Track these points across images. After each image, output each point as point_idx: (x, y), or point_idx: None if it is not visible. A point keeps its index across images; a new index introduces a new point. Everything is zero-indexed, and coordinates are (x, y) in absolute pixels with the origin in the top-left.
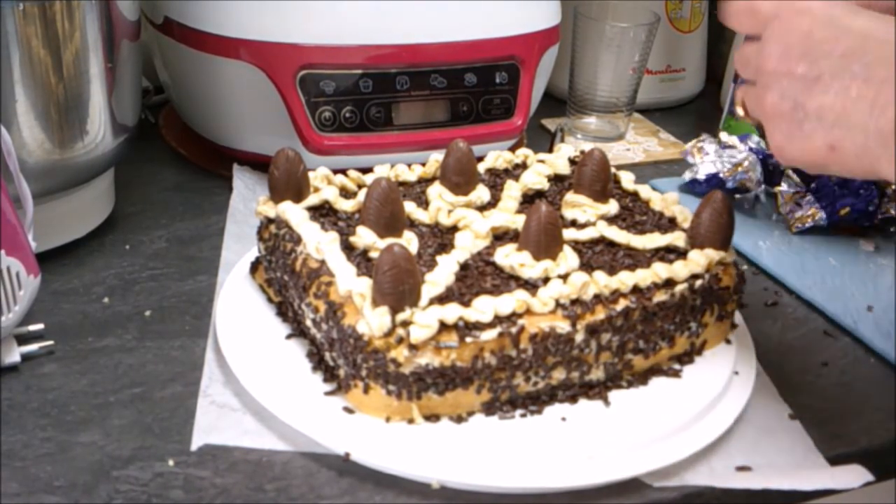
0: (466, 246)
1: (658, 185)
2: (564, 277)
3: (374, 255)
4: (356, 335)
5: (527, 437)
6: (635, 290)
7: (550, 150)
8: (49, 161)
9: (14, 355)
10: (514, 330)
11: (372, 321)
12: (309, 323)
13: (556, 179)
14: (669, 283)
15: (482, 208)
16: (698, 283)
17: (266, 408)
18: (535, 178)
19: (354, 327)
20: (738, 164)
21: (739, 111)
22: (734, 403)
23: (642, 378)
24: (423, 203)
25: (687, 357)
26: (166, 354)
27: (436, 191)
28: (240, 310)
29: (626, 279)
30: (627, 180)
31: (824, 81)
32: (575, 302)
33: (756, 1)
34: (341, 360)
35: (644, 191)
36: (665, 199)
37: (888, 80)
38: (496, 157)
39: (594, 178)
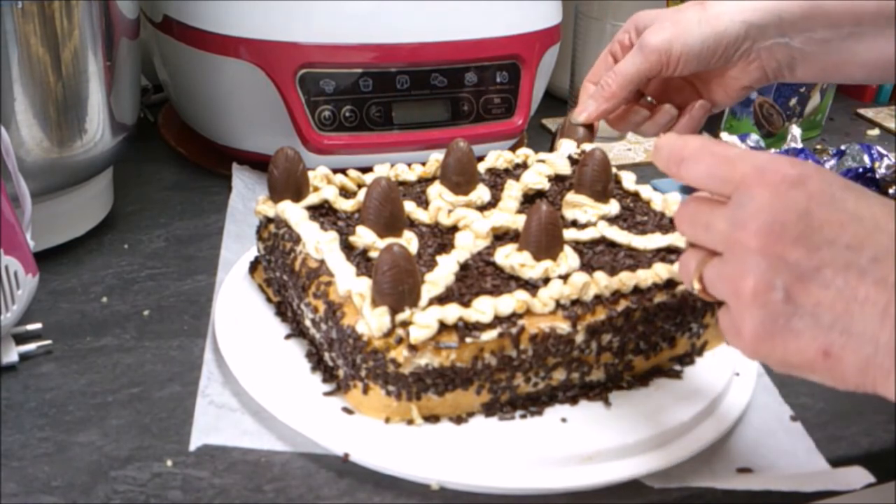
0: (466, 246)
1: (659, 186)
2: (565, 278)
3: (373, 254)
4: (355, 335)
5: (527, 438)
6: (636, 290)
7: (551, 150)
8: (47, 160)
9: (12, 355)
10: (514, 330)
11: (371, 321)
12: (308, 323)
13: (556, 179)
14: (670, 284)
15: (482, 208)
16: None
17: (265, 408)
18: (536, 177)
19: (354, 327)
20: None
21: (696, 285)
22: (735, 405)
23: (643, 379)
24: (423, 203)
25: (688, 358)
26: (165, 354)
27: (436, 190)
28: (239, 310)
29: (626, 280)
30: (628, 180)
31: (825, 274)
32: (575, 302)
33: (727, 152)
34: (340, 360)
35: (645, 191)
36: (666, 199)
37: None
38: (497, 156)
39: (595, 178)
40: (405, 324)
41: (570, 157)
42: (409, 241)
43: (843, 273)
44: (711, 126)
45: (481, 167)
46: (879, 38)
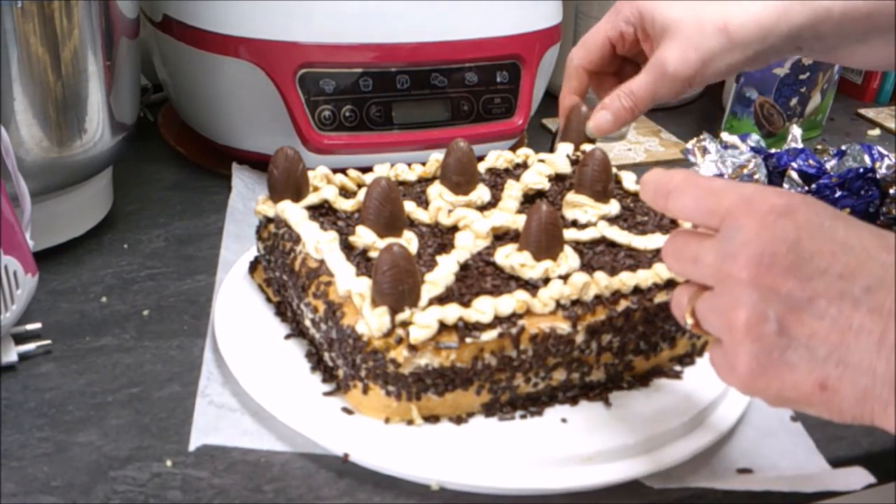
0: (466, 246)
1: None
2: (565, 278)
3: (373, 254)
4: (355, 335)
5: (527, 438)
6: (636, 290)
7: (551, 150)
8: (47, 159)
9: (11, 355)
10: (514, 331)
11: (371, 321)
12: (308, 323)
13: (556, 179)
14: (670, 284)
15: (482, 208)
16: None
17: (264, 408)
18: (536, 177)
19: (353, 327)
20: (742, 165)
21: (688, 320)
22: (735, 405)
23: (643, 379)
24: (423, 203)
25: (688, 358)
26: (164, 354)
27: (436, 190)
28: (238, 310)
29: (627, 280)
30: (629, 180)
31: (818, 305)
32: (576, 303)
33: (712, 184)
34: (340, 360)
35: None
36: None
37: None
38: (497, 156)
39: (595, 178)
40: (405, 324)
41: (569, 157)
42: (409, 241)
43: (836, 303)
44: (712, 126)
45: (481, 167)
46: (886, 44)
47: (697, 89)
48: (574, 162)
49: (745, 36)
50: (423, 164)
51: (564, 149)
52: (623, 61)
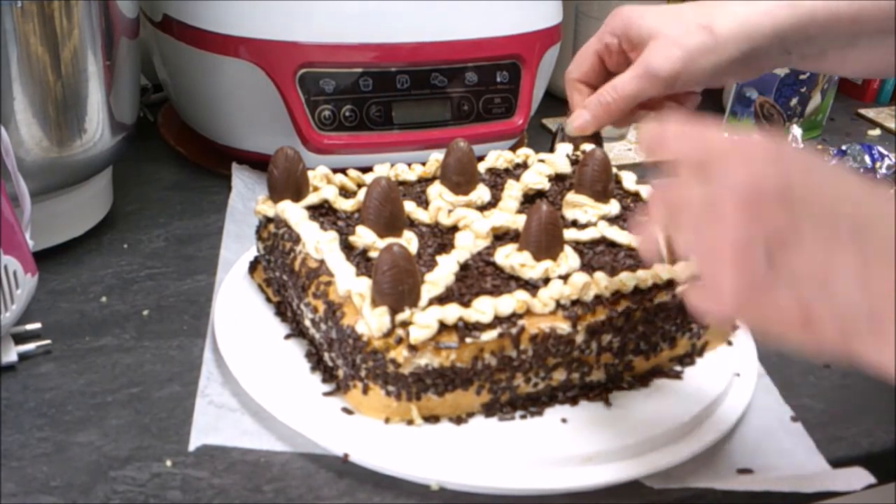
0: (466, 246)
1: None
2: (565, 278)
3: (373, 254)
4: (355, 335)
5: (527, 438)
6: (636, 290)
7: (551, 150)
8: (47, 159)
9: (11, 355)
10: (514, 331)
11: (371, 321)
12: (308, 323)
13: (557, 179)
14: (671, 284)
15: (482, 208)
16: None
17: (264, 408)
18: (536, 177)
19: (353, 327)
20: None
21: (664, 251)
22: (735, 405)
23: (643, 379)
24: (423, 203)
25: (688, 358)
26: (164, 354)
27: (436, 190)
28: (238, 309)
29: (627, 280)
30: (629, 180)
31: (805, 241)
32: (576, 303)
33: (706, 132)
34: (340, 360)
35: (646, 191)
36: None
37: (881, 252)
38: (497, 156)
39: (595, 178)
40: (405, 324)
41: (569, 157)
42: (409, 241)
43: (822, 241)
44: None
45: (481, 167)
46: (874, 47)
47: (696, 100)
48: (574, 162)
49: (728, 33)
50: (423, 164)
51: (564, 149)
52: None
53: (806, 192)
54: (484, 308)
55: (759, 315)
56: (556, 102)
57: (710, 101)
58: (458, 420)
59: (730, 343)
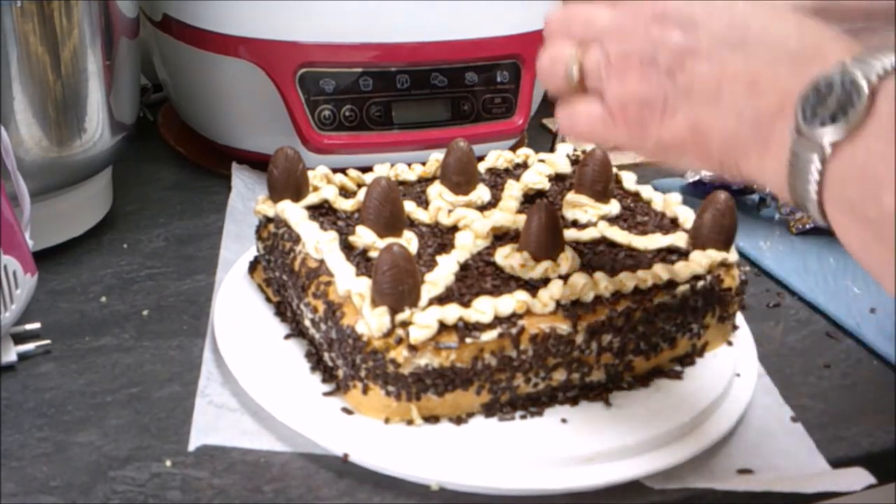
0: (466, 246)
1: (660, 186)
2: (565, 278)
3: (373, 254)
4: (355, 335)
5: (527, 438)
6: (636, 291)
7: (552, 150)
8: (46, 159)
9: (11, 354)
10: (514, 331)
11: (371, 321)
12: (308, 323)
13: (557, 179)
14: (671, 285)
15: (482, 208)
16: (700, 284)
17: (264, 408)
18: (536, 177)
19: (353, 327)
20: None
21: (575, 73)
22: (735, 405)
23: (643, 379)
24: (423, 202)
25: (688, 358)
26: (164, 354)
27: (436, 190)
28: (238, 309)
29: (627, 280)
30: (629, 180)
31: (699, 54)
32: (576, 303)
33: None
34: (340, 360)
35: (646, 191)
36: (667, 199)
37: (770, 62)
38: (497, 156)
39: (595, 178)
40: (405, 324)
41: (569, 157)
42: (409, 241)
43: (715, 52)
44: None
45: (481, 167)
46: (889, 33)
47: None
48: (574, 162)
49: None
50: (423, 163)
51: (565, 149)
52: None
53: (704, 9)
54: (484, 308)
55: (654, 131)
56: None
57: None
58: (458, 420)
59: (730, 343)
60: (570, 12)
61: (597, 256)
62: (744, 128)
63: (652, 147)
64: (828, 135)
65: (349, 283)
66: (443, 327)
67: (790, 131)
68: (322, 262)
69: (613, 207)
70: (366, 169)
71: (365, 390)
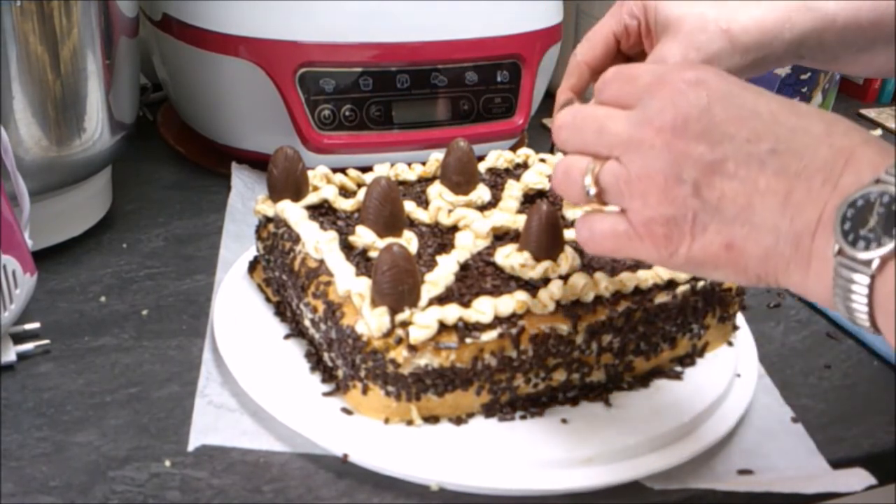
0: (466, 246)
1: None
2: (565, 278)
3: (373, 254)
4: (355, 335)
5: (527, 439)
6: (637, 291)
7: (552, 151)
8: (46, 158)
9: (10, 354)
10: (514, 331)
11: (371, 321)
12: (307, 323)
13: None
14: (671, 285)
15: (483, 208)
16: (700, 284)
17: (264, 408)
18: (537, 177)
19: (353, 327)
20: None
21: (591, 189)
22: (736, 406)
23: (643, 380)
24: (423, 202)
25: (688, 359)
26: (163, 354)
27: (436, 190)
28: (237, 309)
29: (627, 280)
30: None
31: (727, 167)
32: (576, 303)
33: (634, 70)
34: (340, 360)
35: None
36: None
37: (802, 174)
38: (497, 156)
39: None
40: (405, 324)
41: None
42: (409, 240)
43: (744, 165)
44: None
45: (482, 167)
46: (889, 51)
47: None
48: None
49: (747, 41)
50: (423, 163)
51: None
52: (626, 60)
53: (726, 111)
54: (484, 308)
55: (684, 249)
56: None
57: None
58: (458, 420)
59: (730, 343)
60: (580, 116)
61: (597, 257)
62: (782, 245)
63: (682, 264)
64: (872, 254)
65: (349, 283)
66: (443, 327)
67: (832, 251)
68: (322, 261)
69: (614, 207)
70: (366, 169)
71: (365, 390)
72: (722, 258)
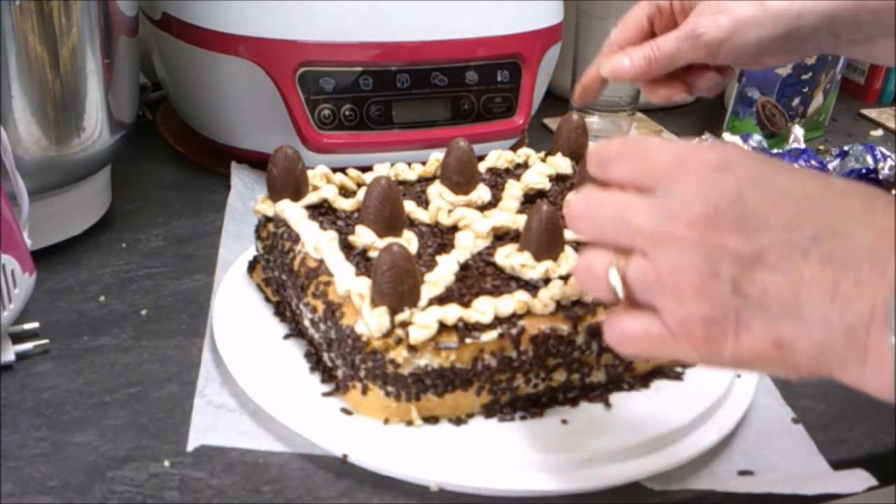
0: (467, 246)
1: None
2: (566, 278)
3: (373, 254)
4: (354, 335)
5: (527, 439)
6: None
7: (551, 152)
8: (45, 158)
9: (9, 354)
10: (514, 331)
11: (370, 321)
12: (307, 323)
13: (557, 179)
14: None
15: (483, 208)
16: None
17: (263, 408)
18: (537, 177)
19: (353, 327)
20: None
21: (619, 290)
22: (736, 406)
23: (644, 380)
24: (423, 202)
25: None
26: (162, 354)
27: (436, 190)
28: (237, 309)
29: None
30: None
31: (768, 259)
32: (576, 303)
33: (645, 147)
34: (339, 360)
35: None
36: None
37: (848, 261)
38: (497, 156)
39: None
40: (404, 324)
41: (570, 157)
42: (409, 240)
43: (785, 256)
44: (713, 126)
45: (482, 167)
46: None
47: (725, 63)
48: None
49: (779, 7)
50: (424, 163)
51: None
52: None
53: (758, 197)
54: (484, 308)
55: (728, 349)
56: (558, 102)
57: (712, 101)
58: (458, 421)
59: None
60: (594, 204)
61: None
62: (834, 339)
63: (727, 364)
64: None
65: (349, 282)
66: (443, 327)
67: (889, 345)
68: (321, 261)
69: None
70: (366, 168)
71: (364, 391)
72: (771, 356)
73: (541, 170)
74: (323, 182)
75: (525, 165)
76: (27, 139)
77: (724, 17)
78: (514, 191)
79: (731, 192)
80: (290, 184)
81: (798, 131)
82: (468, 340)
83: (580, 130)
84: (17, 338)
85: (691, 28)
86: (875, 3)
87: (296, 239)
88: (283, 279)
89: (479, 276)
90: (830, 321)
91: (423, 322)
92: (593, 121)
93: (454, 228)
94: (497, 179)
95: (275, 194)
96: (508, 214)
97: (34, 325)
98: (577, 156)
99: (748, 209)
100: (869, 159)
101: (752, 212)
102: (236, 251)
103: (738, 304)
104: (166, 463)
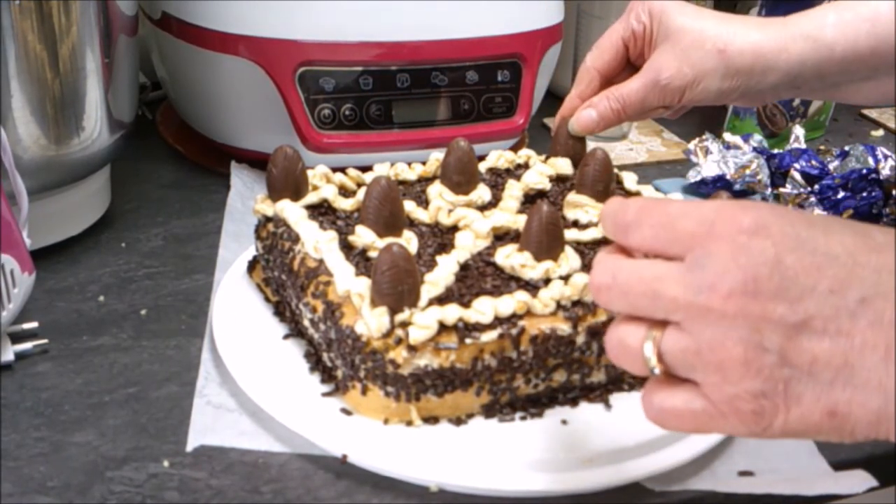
0: (467, 246)
1: (661, 186)
2: (566, 278)
3: (373, 254)
4: (354, 336)
5: (527, 440)
6: None
7: (551, 153)
8: (45, 157)
9: (8, 354)
10: (514, 331)
11: (370, 321)
12: (307, 323)
13: (558, 179)
14: None
15: (483, 208)
16: None
17: (263, 409)
18: (537, 177)
19: (353, 328)
20: (744, 165)
21: (656, 368)
22: None
23: (644, 381)
24: (423, 202)
25: None
26: (162, 354)
27: (436, 190)
28: (236, 309)
29: None
30: (630, 181)
31: (815, 326)
32: (576, 303)
33: (667, 212)
34: (339, 360)
35: (647, 191)
36: (668, 199)
37: None
38: (498, 156)
39: (596, 178)
40: (404, 324)
41: (571, 158)
42: (409, 240)
43: (833, 321)
44: (714, 126)
45: (482, 167)
46: (889, 80)
47: (687, 106)
48: (575, 162)
49: (740, 64)
50: (424, 163)
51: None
52: (634, 70)
53: (798, 260)
54: (484, 309)
55: (779, 422)
56: (558, 102)
57: None
58: (458, 421)
59: None
60: (622, 277)
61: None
62: (893, 404)
63: (778, 435)
64: None
65: (348, 282)
66: (442, 328)
67: None
68: (321, 261)
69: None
70: (366, 168)
71: (364, 391)
72: (825, 426)
73: (541, 170)
74: (323, 182)
75: (525, 166)
76: (26, 138)
77: (687, 69)
78: (514, 191)
79: (770, 258)
80: (289, 183)
81: (799, 131)
82: (468, 341)
83: (607, 166)
84: (17, 337)
85: (655, 75)
86: (840, 56)
87: (295, 239)
88: (283, 279)
89: (479, 277)
90: (886, 386)
91: (423, 322)
92: None
93: (454, 228)
94: (497, 179)
95: (274, 194)
96: (508, 214)
97: (33, 324)
98: (576, 161)
99: (789, 276)
100: (870, 160)
101: (794, 278)
102: (236, 251)
103: (786, 376)
104: (166, 463)
